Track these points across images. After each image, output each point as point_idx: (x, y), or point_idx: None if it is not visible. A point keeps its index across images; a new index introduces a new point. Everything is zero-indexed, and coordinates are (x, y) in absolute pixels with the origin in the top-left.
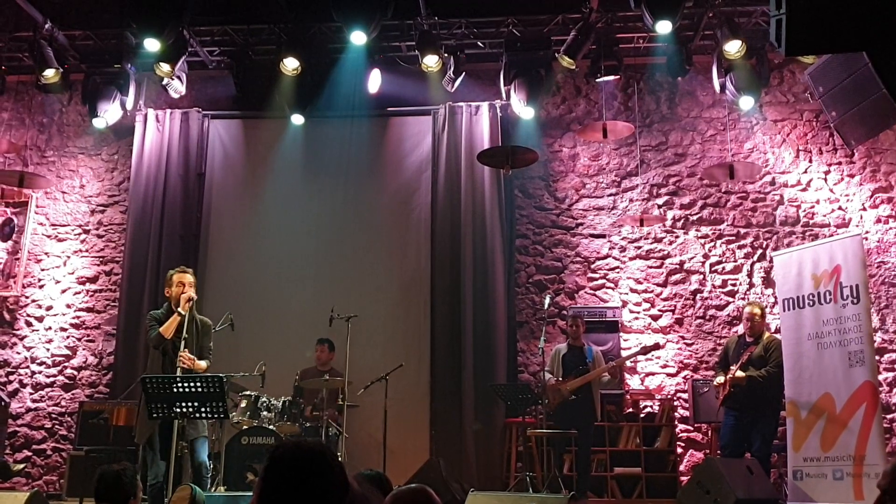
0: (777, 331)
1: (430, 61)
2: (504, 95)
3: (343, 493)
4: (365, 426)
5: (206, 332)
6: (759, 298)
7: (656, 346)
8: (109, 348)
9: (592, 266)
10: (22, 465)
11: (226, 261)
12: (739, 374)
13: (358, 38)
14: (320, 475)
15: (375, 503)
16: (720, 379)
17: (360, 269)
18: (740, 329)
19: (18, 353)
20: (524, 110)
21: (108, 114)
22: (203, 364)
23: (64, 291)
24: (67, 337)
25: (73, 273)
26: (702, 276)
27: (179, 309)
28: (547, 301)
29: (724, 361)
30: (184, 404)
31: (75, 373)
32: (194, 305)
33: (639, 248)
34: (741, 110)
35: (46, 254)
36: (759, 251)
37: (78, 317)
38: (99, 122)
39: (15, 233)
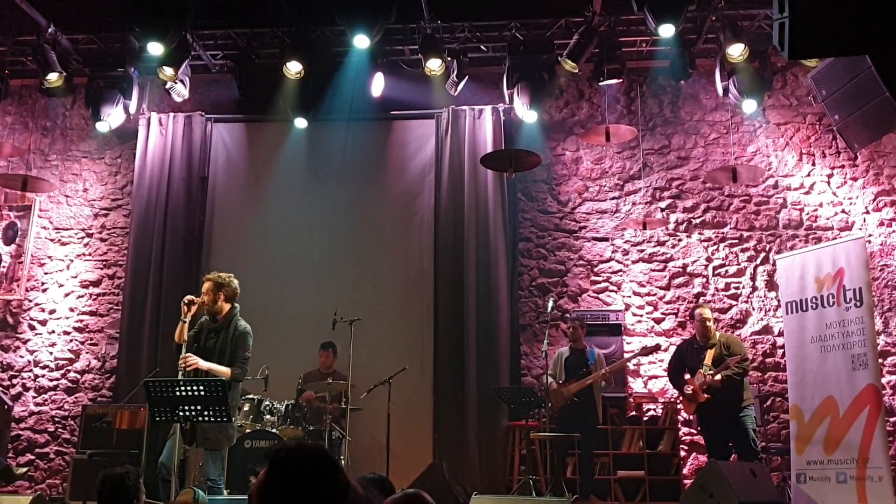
0: (780, 334)
1: (434, 65)
2: (507, 99)
3: (344, 494)
4: (368, 430)
5: (240, 341)
6: (763, 302)
7: (657, 348)
8: (112, 352)
9: (595, 269)
10: (25, 469)
11: (229, 264)
12: (717, 378)
13: (361, 41)
14: (321, 477)
15: None
16: (690, 388)
17: (364, 273)
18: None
19: (21, 356)
20: (527, 114)
21: (112, 117)
22: (223, 369)
23: (67, 295)
24: (70, 340)
25: (76, 277)
26: (705, 280)
27: (182, 316)
28: (550, 304)
29: (677, 368)
30: (186, 408)
31: (78, 376)
32: (238, 312)
33: (642, 251)
34: (744, 113)
35: (50, 257)
36: (762, 254)
37: (81, 320)
38: (102, 126)
39: (18, 236)
